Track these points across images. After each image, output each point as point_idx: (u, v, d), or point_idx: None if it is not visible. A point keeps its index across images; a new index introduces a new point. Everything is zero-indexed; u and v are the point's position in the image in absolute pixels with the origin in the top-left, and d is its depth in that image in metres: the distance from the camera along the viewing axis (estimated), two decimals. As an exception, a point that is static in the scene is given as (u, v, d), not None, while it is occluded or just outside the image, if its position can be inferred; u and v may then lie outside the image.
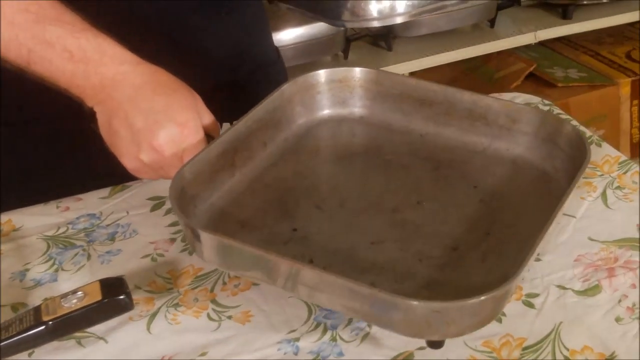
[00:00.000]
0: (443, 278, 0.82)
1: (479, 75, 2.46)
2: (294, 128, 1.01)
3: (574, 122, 1.16)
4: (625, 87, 2.43)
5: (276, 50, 1.35)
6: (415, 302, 0.71)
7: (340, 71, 1.04)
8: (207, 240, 0.81)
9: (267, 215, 0.91)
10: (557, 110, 1.20)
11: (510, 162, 0.98)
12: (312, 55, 2.22)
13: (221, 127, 1.18)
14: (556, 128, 0.95)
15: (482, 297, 0.71)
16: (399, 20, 1.93)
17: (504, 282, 0.71)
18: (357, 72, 1.04)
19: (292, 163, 0.97)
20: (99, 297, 0.83)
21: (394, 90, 1.03)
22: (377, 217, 0.91)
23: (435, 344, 0.78)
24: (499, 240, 0.87)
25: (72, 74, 0.90)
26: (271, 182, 0.94)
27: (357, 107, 1.05)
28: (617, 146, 1.11)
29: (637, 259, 0.90)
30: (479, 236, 0.87)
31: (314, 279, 0.76)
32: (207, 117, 0.94)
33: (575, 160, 0.90)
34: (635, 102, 2.45)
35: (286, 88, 1.01)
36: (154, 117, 0.89)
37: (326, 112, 1.04)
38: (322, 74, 1.04)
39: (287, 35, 2.15)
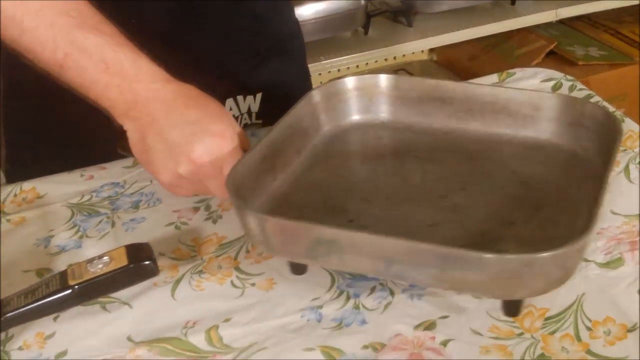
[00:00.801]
0: (512, 247, 0.82)
1: (499, 52, 2.45)
2: (321, 135, 1.01)
3: (597, 98, 1.16)
4: (645, 66, 2.42)
5: (297, 23, 1.35)
6: (509, 256, 0.73)
7: (359, 79, 1.04)
8: (278, 226, 0.81)
9: (319, 212, 0.91)
10: (580, 86, 1.20)
11: (540, 148, 0.99)
12: (332, 30, 2.22)
13: (236, 100, 1.19)
14: (579, 110, 0.96)
15: (572, 245, 0.73)
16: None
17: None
18: (375, 78, 1.04)
19: (327, 167, 0.97)
20: (125, 263, 0.84)
21: (413, 93, 1.03)
22: (427, 204, 0.91)
23: (513, 310, 0.79)
24: (552, 213, 0.88)
25: (106, 85, 0.89)
26: (312, 185, 0.94)
27: (378, 113, 1.05)
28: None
29: (660, 232, 0.90)
30: (530, 211, 0.89)
31: (404, 250, 0.77)
32: (236, 129, 0.94)
33: (602, 137, 0.92)
34: (656, 81, 2.44)
35: (308, 99, 1.00)
36: (189, 129, 0.88)
37: (349, 119, 1.04)
38: (344, 82, 1.04)
39: (307, 10, 2.15)
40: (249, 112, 1.22)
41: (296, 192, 0.93)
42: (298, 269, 0.85)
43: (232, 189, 0.82)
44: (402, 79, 1.05)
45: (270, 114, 1.20)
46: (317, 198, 0.93)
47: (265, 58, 1.24)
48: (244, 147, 0.91)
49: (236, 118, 1.21)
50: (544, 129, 0.99)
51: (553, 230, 0.86)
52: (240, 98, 1.20)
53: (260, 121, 1.23)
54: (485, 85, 1.05)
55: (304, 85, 1.35)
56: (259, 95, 1.22)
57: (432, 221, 0.88)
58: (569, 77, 1.22)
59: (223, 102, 1.18)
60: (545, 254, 0.73)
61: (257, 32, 1.23)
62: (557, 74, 1.24)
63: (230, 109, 1.20)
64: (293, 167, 0.95)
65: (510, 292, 0.77)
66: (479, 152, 0.99)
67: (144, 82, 0.89)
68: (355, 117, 1.04)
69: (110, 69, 0.88)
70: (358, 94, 1.04)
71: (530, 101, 1.00)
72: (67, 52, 0.88)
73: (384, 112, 1.05)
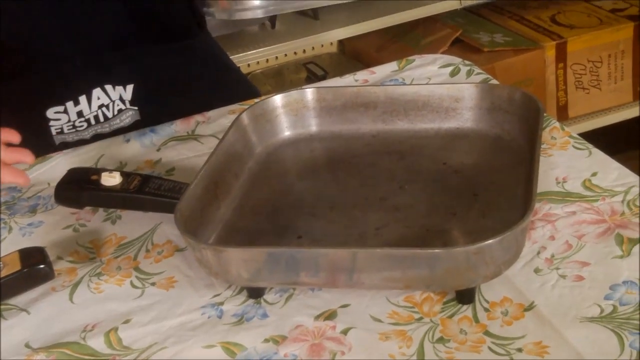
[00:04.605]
0: (456, 239, 0.85)
1: (406, 41, 2.46)
2: (255, 157, 1.02)
3: (494, 81, 1.18)
4: (550, 51, 2.44)
5: (201, 18, 1.35)
6: (458, 249, 0.77)
7: (283, 97, 1.05)
8: (239, 255, 0.81)
9: (268, 233, 0.91)
10: (477, 70, 1.21)
11: (465, 137, 1.03)
12: (239, 24, 2.21)
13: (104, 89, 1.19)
14: (497, 95, 1.02)
15: (515, 229, 0.76)
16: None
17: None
18: (298, 94, 1.06)
19: (268, 187, 0.99)
20: (18, 267, 0.82)
21: (337, 103, 1.06)
22: (370, 208, 0.93)
23: (467, 298, 0.80)
24: (489, 198, 0.92)
25: None
26: (256, 207, 0.95)
27: (307, 127, 1.06)
28: (542, 109, 1.13)
29: (556, 211, 0.91)
30: (469, 200, 0.92)
31: (359, 258, 0.78)
32: None
33: (522, 117, 0.98)
34: (561, 65, 2.47)
35: (237, 123, 1.01)
36: None
37: (279, 137, 1.05)
38: (269, 101, 1.05)
39: (212, 6, 2.13)
40: (122, 99, 1.22)
41: (242, 217, 0.93)
42: (255, 292, 0.84)
43: (181, 225, 0.82)
44: (324, 90, 1.07)
45: (146, 101, 1.24)
46: (264, 220, 0.93)
47: (140, 51, 1.24)
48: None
49: (106, 106, 1.21)
50: (466, 118, 1.03)
51: (494, 215, 0.89)
52: (109, 87, 1.21)
53: (135, 107, 1.23)
54: (405, 85, 1.10)
55: (207, 76, 1.34)
56: (129, 87, 1.21)
57: (378, 224, 0.90)
58: (467, 62, 1.24)
59: (89, 92, 1.20)
60: (492, 241, 0.75)
61: (129, 27, 1.23)
62: (456, 60, 1.25)
63: (99, 98, 1.21)
64: (234, 193, 0.96)
65: (465, 281, 0.79)
66: (408, 149, 1.02)
67: None
68: (285, 134, 1.06)
69: None
70: (284, 111, 1.05)
71: (450, 94, 1.03)
72: None
73: (312, 124, 1.06)
